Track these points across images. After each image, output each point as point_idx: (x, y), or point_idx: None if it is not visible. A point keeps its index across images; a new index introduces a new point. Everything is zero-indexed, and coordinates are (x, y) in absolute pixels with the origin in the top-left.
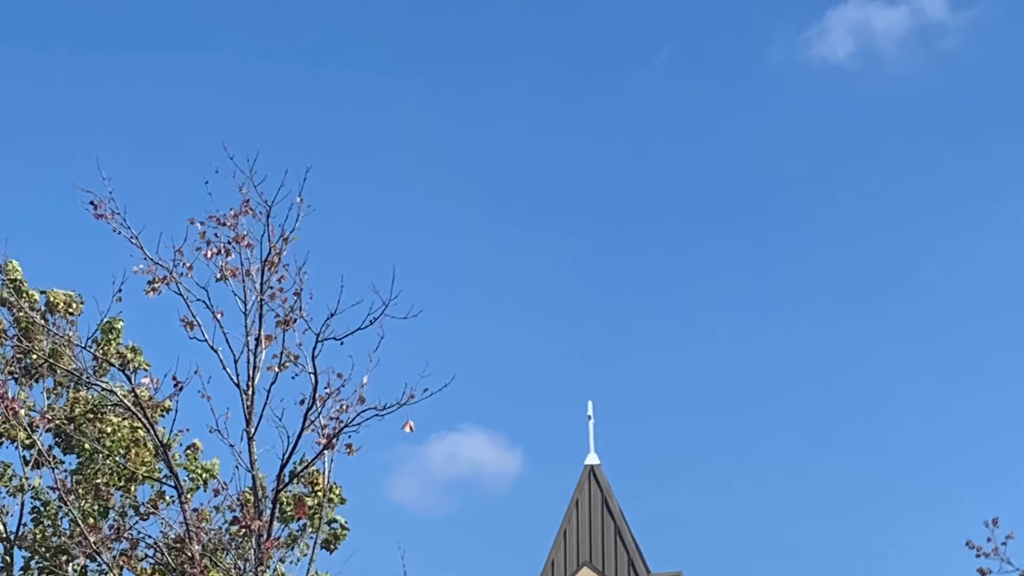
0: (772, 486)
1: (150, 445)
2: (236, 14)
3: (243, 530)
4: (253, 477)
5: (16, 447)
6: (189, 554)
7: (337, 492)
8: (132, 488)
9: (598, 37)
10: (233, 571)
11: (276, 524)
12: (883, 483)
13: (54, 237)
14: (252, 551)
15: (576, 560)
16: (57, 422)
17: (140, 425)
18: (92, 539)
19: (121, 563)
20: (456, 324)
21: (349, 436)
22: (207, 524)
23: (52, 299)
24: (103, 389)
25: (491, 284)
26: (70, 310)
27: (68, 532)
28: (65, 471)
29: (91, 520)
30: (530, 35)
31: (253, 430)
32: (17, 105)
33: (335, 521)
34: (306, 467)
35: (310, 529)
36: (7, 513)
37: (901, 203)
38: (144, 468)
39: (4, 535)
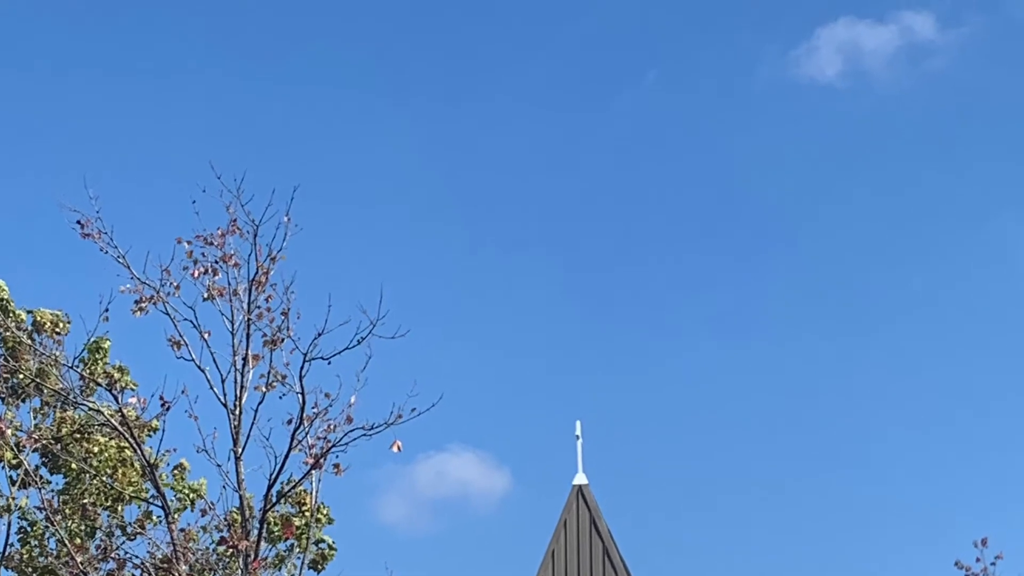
0: (760, 505)
1: (137, 465)
2: (223, 34)
3: (230, 550)
4: (240, 497)
5: (2, 467)
6: (176, 574)
7: (325, 512)
8: (119, 508)
9: (586, 56)
10: None
11: (263, 544)
12: (872, 502)
13: (41, 256)
14: (239, 571)
15: None
16: (44, 442)
17: (127, 445)
18: (79, 559)
19: None
20: (444, 344)
21: (337, 456)
22: (194, 544)
23: (39, 318)
24: (90, 409)
25: (479, 303)
26: (57, 329)
27: (55, 552)
28: (52, 491)
29: (78, 540)
30: (518, 54)
31: (240, 450)
32: (3, 123)
33: (323, 541)
34: (293, 487)
35: (298, 549)
36: None
37: (889, 222)
38: (131, 488)
39: None
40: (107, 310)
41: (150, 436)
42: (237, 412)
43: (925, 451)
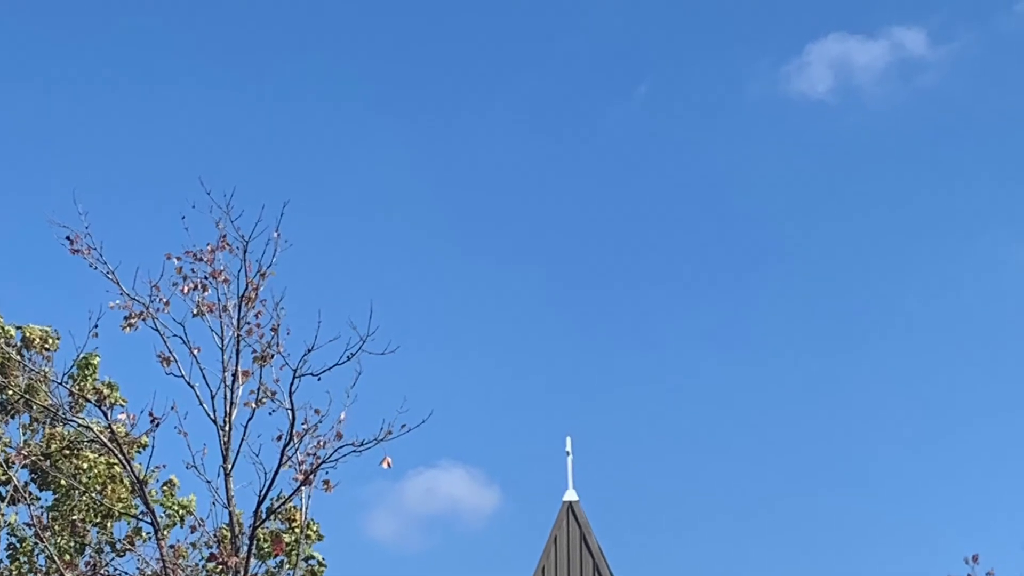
0: (752, 522)
1: (126, 481)
2: (213, 48)
3: (220, 567)
4: (230, 513)
5: None
6: None
7: (314, 528)
8: (108, 524)
9: (576, 71)
10: None
11: (253, 561)
12: (864, 519)
13: (30, 272)
14: None
15: None
16: (33, 458)
17: (116, 461)
18: None
19: None
20: (434, 360)
21: (326, 472)
22: (184, 561)
23: (28, 334)
24: (79, 425)
25: (469, 319)
26: (46, 346)
27: (44, 569)
28: (41, 507)
29: (67, 557)
30: (508, 69)
31: (230, 466)
32: None
33: (312, 558)
34: (283, 503)
35: (287, 566)
36: None
37: (881, 238)
38: (120, 504)
39: None
40: (96, 326)
41: (139, 452)
42: (227, 428)
43: (917, 467)
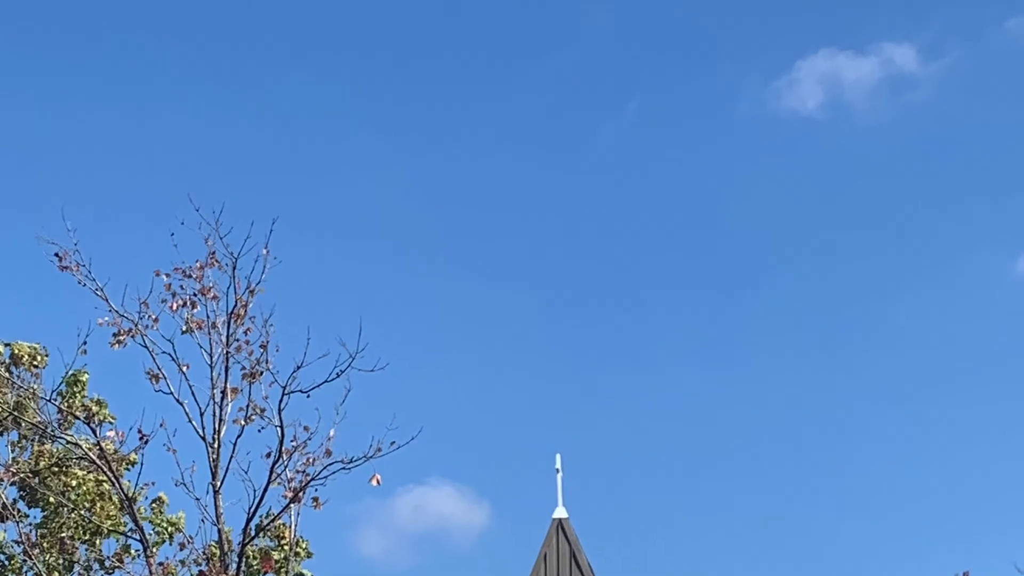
0: (741, 539)
1: (115, 498)
2: (202, 65)
3: None
4: (219, 531)
5: None
6: None
7: (304, 546)
8: (97, 542)
9: (566, 88)
10: None
11: None
12: (853, 536)
13: (18, 289)
14: None
15: None
16: (22, 475)
17: (105, 478)
18: None
19: None
20: (423, 377)
21: (316, 489)
22: None
23: (16, 351)
24: (68, 442)
25: (458, 337)
26: (35, 362)
27: None
28: (30, 525)
29: (56, 574)
30: (499, 85)
31: (219, 483)
32: None
33: (302, 575)
34: (272, 521)
35: None
36: None
37: (871, 253)
38: (109, 522)
39: None
40: (85, 343)
41: (128, 470)
42: (216, 445)
43: (908, 483)
